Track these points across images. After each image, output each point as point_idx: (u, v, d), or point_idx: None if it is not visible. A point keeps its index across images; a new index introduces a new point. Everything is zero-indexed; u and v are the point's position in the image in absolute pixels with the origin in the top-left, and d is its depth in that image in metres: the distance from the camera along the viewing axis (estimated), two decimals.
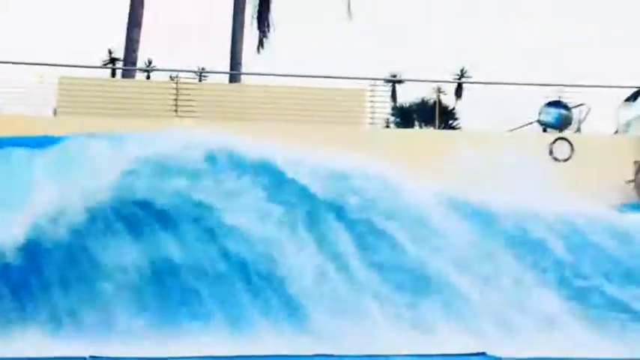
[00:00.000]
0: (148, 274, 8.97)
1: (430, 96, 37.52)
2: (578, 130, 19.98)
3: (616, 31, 55.90)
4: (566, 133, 19.18)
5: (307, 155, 10.06)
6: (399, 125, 32.35)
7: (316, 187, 9.72)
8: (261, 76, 21.70)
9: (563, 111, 19.49)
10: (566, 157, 18.78)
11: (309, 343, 8.08)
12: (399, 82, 37.04)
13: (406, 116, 37.55)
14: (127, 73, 24.04)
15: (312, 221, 9.49)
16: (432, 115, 29.19)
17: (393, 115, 29.81)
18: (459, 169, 16.73)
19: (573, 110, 19.65)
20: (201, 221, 9.26)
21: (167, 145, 9.46)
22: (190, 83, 20.30)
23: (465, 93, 40.98)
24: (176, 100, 18.69)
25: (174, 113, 18.48)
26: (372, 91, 19.80)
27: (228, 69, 24.98)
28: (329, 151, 10.24)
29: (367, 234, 9.56)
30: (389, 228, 9.61)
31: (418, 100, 38.70)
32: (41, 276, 9.03)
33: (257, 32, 27.14)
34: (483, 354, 7.13)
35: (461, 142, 19.20)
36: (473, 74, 42.85)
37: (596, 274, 10.14)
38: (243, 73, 24.31)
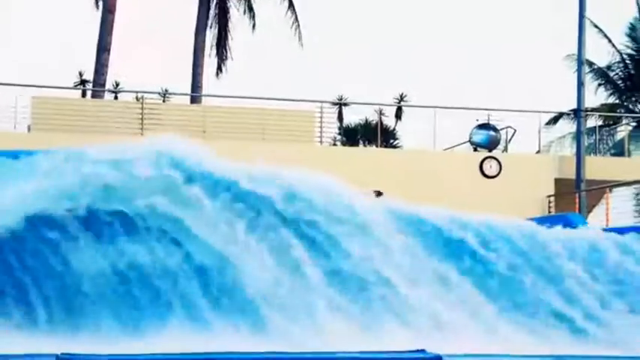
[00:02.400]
0: (117, 277, 8.81)
1: (373, 117, 37.68)
2: (505, 149, 20.22)
3: (538, 59, 56.78)
4: (494, 153, 19.41)
5: (262, 170, 9.99)
6: (345, 144, 32.36)
7: (271, 199, 9.64)
8: (220, 98, 21.56)
9: (491, 132, 19.73)
10: (494, 173, 19.01)
11: (264, 342, 7.98)
12: (345, 104, 37.12)
13: (351, 136, 37.63)
14: (97, 94, 23.76)
15: (268, 230, 9.40)
16: (374, 134, 29.32)
17: (339, 134, 29.81)
18: (399, 182, 16.83)
19: (501, 132, 19.89)
20: (166, 230, 9.11)
21: (135, 159, 9.32)
22: (155, 104, 20.12)
23: (404, 115, 41.22)
24: (141, 119, 18.51)
25: (139, 131, 18.29)
26: (320, 112, 19.85)
27: (189, 91, 24.83)
28: (282, 166, 10.19)
29: (317, 241, 9.51)
30: (337, 236, 9.57)
31: (362, 121, 38.80)
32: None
33: (216, 58, 27.07)
34: (423, 351, 7.10)
35: (401, 159, 19.38)
36: (412, 98, 43.16)
37: (521, 278, 10.23)
38: (205, 95, 24.19)
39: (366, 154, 22.29)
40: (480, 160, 19.10)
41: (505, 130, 20.24)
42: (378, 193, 13.71)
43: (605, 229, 13.01)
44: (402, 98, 43.18)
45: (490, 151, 19.48)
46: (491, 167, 19.06)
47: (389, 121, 40.84)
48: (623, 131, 23.64)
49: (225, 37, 27.06)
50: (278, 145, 17.62)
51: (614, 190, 18.91)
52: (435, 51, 59.97)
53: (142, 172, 9.20)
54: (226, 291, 8.88)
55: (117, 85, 36.38)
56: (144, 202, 9.07)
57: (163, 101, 23.35)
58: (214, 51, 26.90)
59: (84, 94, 30.67)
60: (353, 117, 40.22)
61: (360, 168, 17.35)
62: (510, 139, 20.45)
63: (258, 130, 18.79)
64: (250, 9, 26.86)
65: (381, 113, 35.29)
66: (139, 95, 20.55)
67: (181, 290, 8.78)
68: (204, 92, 24.72)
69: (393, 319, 8.92)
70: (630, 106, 29.13)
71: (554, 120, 27.51)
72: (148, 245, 8.98)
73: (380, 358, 6.95)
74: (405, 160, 19.30)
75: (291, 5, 26.21)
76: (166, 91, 27.80)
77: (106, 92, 24.86)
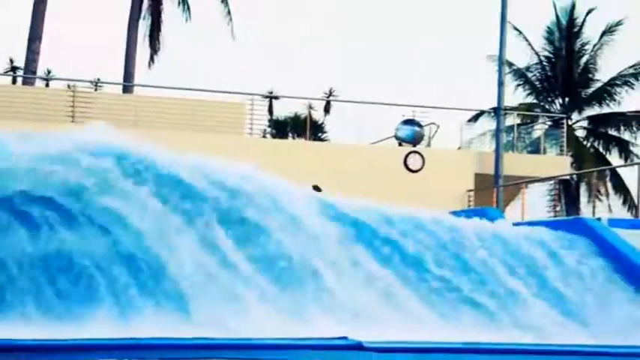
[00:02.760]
0: (44, 263, 8.62)
1: (302, 111, 37.74)
2: (429, 145, 20.54)
3: (461, 58, 57.72)
4: (418, 148, 19.68)
5: (193, 160, 9.92)
6: (274, 136, 32.33)
7: (200, 188, 9.58)
8: (152, 88, 21.32)
9: (416, 128, 20.01)
10: (418, 167, 19.30)
11: (192, 328, 7.94)
12: (276, 98, 37.10)
13: (281, 128, 37.63)
14: (28, 81, 23.22)
15: (197, 217, 9.35)
16: (304, 128, 29.37)
17: (269, 127, 29.78)
18: (327, 174, 16.92)
19: (425, 128, 20.19)
20: (95, 216, 8.97)
21: (66, 145, 9.16)
22: (86, 92, 19.76)
23: (333, 109, 41.44)
24: (73, 107, 18.17)
25: (70, 119, 17.95)
26: (251, 105, 19.82)
27: (122, 81, 24.47)
28: (212, 156, 10.14)
29: (246, 231, 9.50)
30: (265, 226, 9.58)
31: (292, 115, 38.85)
32: None
33: (148, 49, 26.75)
34: (345, 338, 7.16)
35: (329, 152, 19.48)
36: (340, 93, 43.39)
37: (440, 267, 10.41)
38: (137, 85, 23.90)
39: (295, 146, 22.36)
40: (405, 154, 19.36)
41: (429, 126, 20.55)
42: (317, 188, 13.72)
43: (518, 223, 13.36)
44: (330, 93, 43.43)
45: (414, 146, 19.76)
46: (415, 162, 19.33)
47: (318, 115, 41.01)
48: (539, 130, 24.29)
49: (158, 28, 26.77)
50: (209, 136, 17.52)
51: (530, 185, 19.41)
52: (363, 48, 60.40)
53: (70, 160, 9.05)
54: (155, 278, 8.79)
55: (49, 72, 35.60)
56: (73, 189, 8.92)
57: (95, 90, 22.90)
58: (147, 42, 26.59)
59: (14, 81, 29.91)
60: (283, 110, 40.24)
61: (289, 160, 17.40)
62: (434, 135, 20.78)
63: (189, 121, 18.65)
64: (184, 1, 26.60)
65: (310, 107, 35.38)
66: (71, 83, 20.19)
67: (110, 276, 8.65)
68: (136, 82, 24.39)
69: (318, 307, 8.97)
70: (546, 106, 29.87)
71: (476, 117, 28.02)
72: (76, 231, 8.82)
73: (303, 345, 6.99)
74: (332, 152, 19.44)
75: None
76: (98, 80, 27.33)
77: (37, 80, 24.32)
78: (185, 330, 7.76)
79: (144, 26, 26.37)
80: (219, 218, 9.42)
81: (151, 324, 8.15)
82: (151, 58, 26.70)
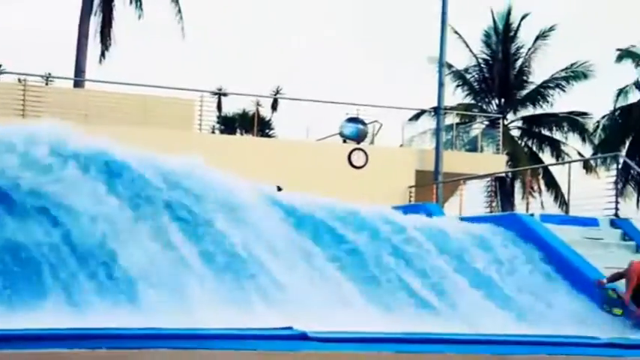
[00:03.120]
0: None
1: (250, 108, 37.62)
2: (372, 142, 20.63)
3: (402, 59, 58.20)
4: (362, 145, 19.76)
5: (142, 154, 9.80)
6: (223, 132, 32.16)
7: (150, 182, 9.48)
8: (103, 84, 20.96)
9: (360, 126, 20.07)
10: (361, 164, 19.37)
11: (138, 318, 7.84)
12: (224, 94, 36.86)
13: (229, 124, 37.45)
14: None
15: (146, 211, 9.24)
16: (251, 124, 29.25)
17: (218, 123, 29.63)
18: (274, 169, 16.88)
19: (368, 125, 20.28)
20: (45, 208, 8.79)
21: (17, 137, 8.97)
22: (37, 86, 19.33)
23: (280, 107, 41.40)
24: (23, 101, 17.76)
25: (21, 113, 17.56)
26: (200, 101, 19.65)
27: (72, 76, 24.02)
28: (162, 151, 10.03)
29: (194, 224, 9.42)
30: (213, 219, 9.52)
31: (240, 111, 38.70)
32: None
33: (99, 45, 26.32)
34: (290, 328, 7.16)
35: (276, 148, 19.44)
36: (287, 91, 43.40)
37: (381, 259, 10.49)
38: (88, 80, 23.48)
39: (243, 142, 22.27)
40: (349, 151, 19.42)
41: (372, 124, 20.65)
42: (279, 189, 13.66)
43: (463, 218, 13.51)
44: (277, 91, 43.41)
45: (358, 143, 19.83)
46: (358, 158, 19.40)
47: (265, 112, 40.91)
48: (477, 129, 24.56)
49: (110, 25, 26.34)
50: (159, 131, 17.32)
51: (468, 182, 19.65)
52: (311, 47, 60.50)
53: (21, 152, 8.86)
54: (104, 269, 8.66)
55: None
56: (22, 181, 8.73)
57: (46, 84, 22.41)
58: (98, 38, 26.16)
59: None
60: (231, 107, 40.06)
61: (236, 155, 17.31)
62: (377, 133, 20.89)
63: (139, 116, 18.41)
64: None
65: (258, 104, 35.29)
66: (22, 77, 19.75)
67: (60, 267, 8.49)
68: (87, 77, 23.98)
69: (263, 298, 8.95)
70: (484, 107, 30.27)
71: (417, 116, 28.23)
72: (25, 223, 8.63)
73: (249, 335, 6.96)
74: (279, 148, 19.40)
75: None
76: (49, 74, 26.78)
77: None
78: (133, 320, 7.66)
79: (95, 22, 25.94)
80: (168, 212, 9.33)
81: (99, 314, 8.03)
82: (102, 54, 26.27)
